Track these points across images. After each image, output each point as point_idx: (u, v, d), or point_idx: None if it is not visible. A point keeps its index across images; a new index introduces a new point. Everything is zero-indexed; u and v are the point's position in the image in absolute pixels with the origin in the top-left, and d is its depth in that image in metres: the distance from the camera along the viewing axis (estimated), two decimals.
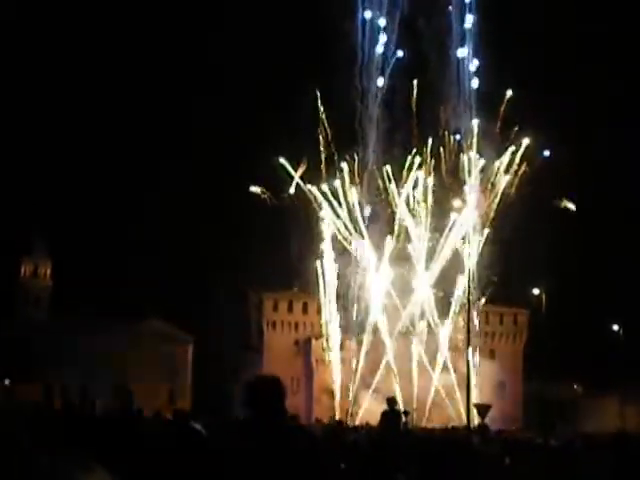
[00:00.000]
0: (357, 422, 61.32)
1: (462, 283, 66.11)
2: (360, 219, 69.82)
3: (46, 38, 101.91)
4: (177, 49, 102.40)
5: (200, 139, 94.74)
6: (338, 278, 71.23)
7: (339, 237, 70.35)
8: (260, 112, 76.71)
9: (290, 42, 77.52)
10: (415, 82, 66.98)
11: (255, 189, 70.28)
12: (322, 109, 68.05)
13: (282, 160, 69.04)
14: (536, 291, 72.55)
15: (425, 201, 69.97)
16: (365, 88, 67.80)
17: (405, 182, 69.61)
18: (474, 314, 58.32)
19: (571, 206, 69.45)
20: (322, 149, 68.38)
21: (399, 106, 67.29)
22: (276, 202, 69.22)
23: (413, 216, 70.31)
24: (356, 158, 69.06)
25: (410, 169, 69.21)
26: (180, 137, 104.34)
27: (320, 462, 5.51)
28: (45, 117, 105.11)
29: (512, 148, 68.60)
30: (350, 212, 69.76)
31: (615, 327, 72.30)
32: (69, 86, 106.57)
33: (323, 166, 68.98)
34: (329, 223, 70.02)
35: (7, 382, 77.20)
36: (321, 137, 68.22)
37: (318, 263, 70.89)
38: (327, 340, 75.75)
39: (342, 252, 70.84)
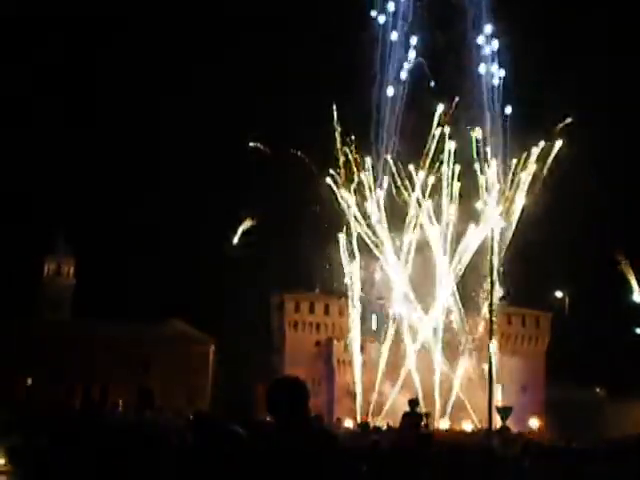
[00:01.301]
0: (379, 422, 61.29)
1: (485, 283, 65.80)
2: (381, 216, 69.24)
3: (49, 42, 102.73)
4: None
5: (210, 143, 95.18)
6: (360, 277, 70.85)
7: (360, 235, 69.87)
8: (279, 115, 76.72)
9: (303, 50, 77.77)
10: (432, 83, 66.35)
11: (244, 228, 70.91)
12: (337, 119, 67.55)
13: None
14: (559, 294, 72.20)
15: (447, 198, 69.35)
16: (383, 92, 67.28)
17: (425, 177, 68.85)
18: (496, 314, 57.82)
19: None
20: (339, 148, 67.87)
21: (418, 110, 66.85)
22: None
23: (433, 211, 69.71)
24: (373, 156, 68.40)
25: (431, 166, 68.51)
26: (194, 140, 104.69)
27: (342, 464, 5.50)
28: (67, 120, 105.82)
29: (538, 146, 67.40)
30: (370, 210, 69.21)
31: (638, 331, 71.84)
32: (95, 89, 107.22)
33: (342, 171, 68.43)
34: (350, 221, 69.50)
35: (29, 381, 77.72)
36: (338, 139, 67.74)
37: (339, 263, 70.53)
38: (348, 340, 75.68)
39: (364, 251, 70.41)
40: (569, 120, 64.86)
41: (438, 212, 69.35)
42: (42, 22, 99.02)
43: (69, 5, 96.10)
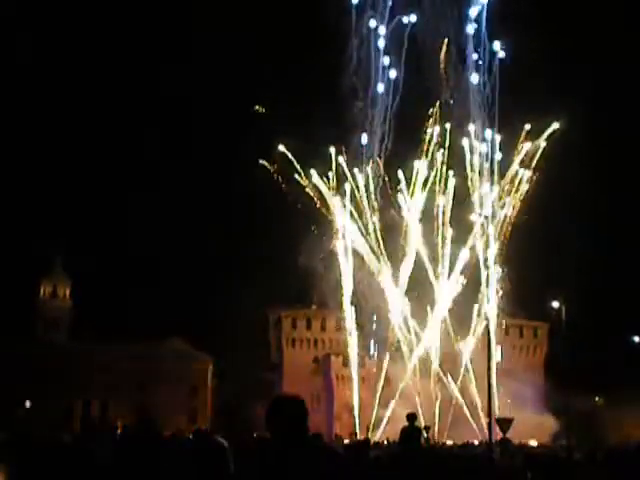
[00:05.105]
0: (377, 438, 61.05)
1: (482, 296, 65.79)
2: (376, 231, 68.96)
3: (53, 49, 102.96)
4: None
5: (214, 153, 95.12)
6: (356, 293, 70.55)
7: (355, 249, 69.52)
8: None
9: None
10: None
11: None
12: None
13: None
14: (555, 304, 72.10)
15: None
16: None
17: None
18: (493, 327, 57.77)
19: None
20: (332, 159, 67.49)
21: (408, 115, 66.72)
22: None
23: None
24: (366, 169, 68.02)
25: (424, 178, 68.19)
26: (201, 154, 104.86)
27: None
28: (63, 138, 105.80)
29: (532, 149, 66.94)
30: (365, 225, 68.91)
31: (636, 339, 71.86)
32: (92, 105, 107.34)
33: (333, 181, 68.08)
34: (345, 236, 69.09)
35: (28, 403, 77.44)
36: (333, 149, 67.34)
37: (336, 279, 70.22)
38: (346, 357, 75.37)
39: (360, 266, 70.05)
40: (556, 126, 64.71)
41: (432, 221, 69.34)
42: (40, 24, 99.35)
43: (67, 5, 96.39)
